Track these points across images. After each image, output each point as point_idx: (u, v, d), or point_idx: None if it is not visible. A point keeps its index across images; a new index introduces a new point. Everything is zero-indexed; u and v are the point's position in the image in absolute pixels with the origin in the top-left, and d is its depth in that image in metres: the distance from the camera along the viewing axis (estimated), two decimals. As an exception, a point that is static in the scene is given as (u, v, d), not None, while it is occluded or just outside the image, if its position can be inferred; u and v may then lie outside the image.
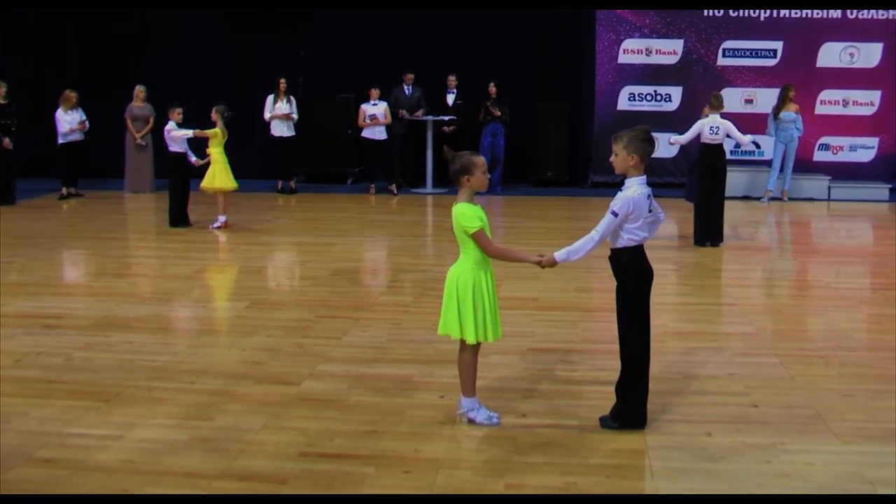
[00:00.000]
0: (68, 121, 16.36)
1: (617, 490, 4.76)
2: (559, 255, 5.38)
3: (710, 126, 11.90)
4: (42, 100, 17.21)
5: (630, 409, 5.50)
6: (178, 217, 13.06)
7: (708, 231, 11.94)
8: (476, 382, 5.61)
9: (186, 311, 8.72)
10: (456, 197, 5.45)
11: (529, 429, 5.52)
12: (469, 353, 5.51)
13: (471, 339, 5.40)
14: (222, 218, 12.90)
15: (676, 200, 14.84)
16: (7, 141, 15.23)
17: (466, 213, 5.33)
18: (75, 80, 18.18)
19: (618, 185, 5.44)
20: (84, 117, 16.54)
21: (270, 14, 18.27)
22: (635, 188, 5.31)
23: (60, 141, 16.32)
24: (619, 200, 5.27)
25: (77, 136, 16.44)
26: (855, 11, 17.44)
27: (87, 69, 18.69)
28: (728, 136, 11.97)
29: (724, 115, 12.13)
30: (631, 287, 5.41)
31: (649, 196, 5.35)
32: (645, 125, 5.59)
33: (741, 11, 17.64)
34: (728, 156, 12.32)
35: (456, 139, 16.88)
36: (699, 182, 12.21)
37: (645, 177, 5.36)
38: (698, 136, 12.00)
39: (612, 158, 5.42)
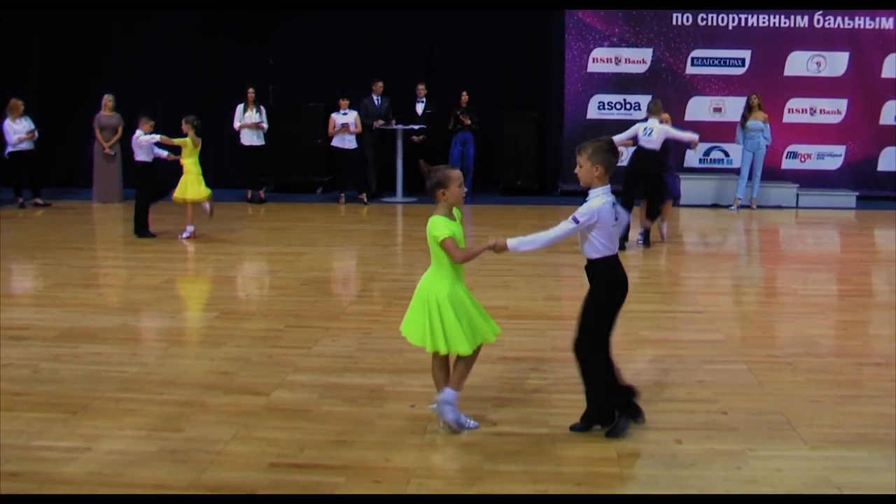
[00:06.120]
0: (16, 130, 16.24)
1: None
2: (511, 242, 5.42)
3: (644, 128, 12.01)
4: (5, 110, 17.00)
5: (608, 407, 5.53)
6: (141, 227, 12.96)
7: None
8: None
9: (155, 322, 8.65)
10: (434, 210, 5.46)
11: (500, 437, 5.52)
12: (465, 362, 5.53)
13: (465, 351, 5.43)
14: (190, 228, 12.82)
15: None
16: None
17: (437, 223, 5.35)
18: (40, 89, 18.10)
19: (586, 193, 5.46)
20: (33, 126, 16.41)
21: (237, 23, 18.24)
22: (600, 198, 5.32)
23: (9, 150, 16.20)
24: (585, 208, 5.30)
25: (26, 146, 16.31)
26: (821, 21, 17.61)
27: (52, 78, 18.57)
28: (678, 141, 12.08)
29: (693, 124, 12.20)
30: (602, 295, 5.43)
31: (614, 204, 5.38)
32: (608, 136, 5.63)
33: (710, 20, 17.79)
34: (697, 164, 12.41)
35: (425, 148, 16.93)
36: (624, 182, 12.26)
37: (609, 186, 5.39)
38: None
39: (576, 170, 5.44)
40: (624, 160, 15.76)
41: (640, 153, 12.09)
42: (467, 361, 5.55)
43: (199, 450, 5.30)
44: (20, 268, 11.32)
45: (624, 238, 12.04)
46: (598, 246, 5.35)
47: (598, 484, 4.93)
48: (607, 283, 5.43)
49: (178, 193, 12.77)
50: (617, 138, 12.01)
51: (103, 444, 5.37)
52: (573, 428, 5.58)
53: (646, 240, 12.26)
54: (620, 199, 11.91)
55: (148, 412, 5.94)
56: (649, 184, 12.11)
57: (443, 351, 5.45)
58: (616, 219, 5.38)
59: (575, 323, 5.56)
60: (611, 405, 5.55)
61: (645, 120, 12.29)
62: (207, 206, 12.96)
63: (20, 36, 18.73)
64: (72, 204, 16.72)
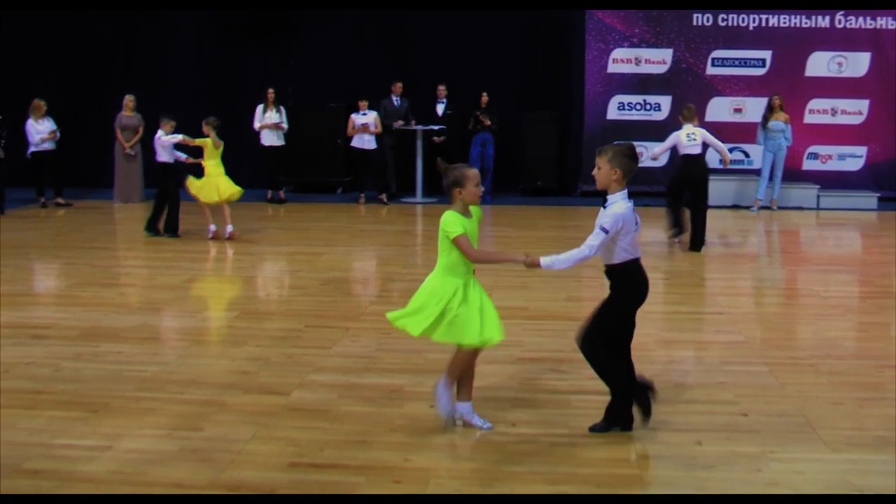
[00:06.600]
0: (39, 130, 16.36)
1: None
2: (545, 260, 5.34)
3: (686, 134, 11.99)
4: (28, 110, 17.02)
5: (618, 409, 5.54)
6: (152, 225, 13.03)
7: (695, 237, 12.02)
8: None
9: (175, 321, 8.70)
10: (449, 206, 5.46)
11: (519, 438, 5.51)
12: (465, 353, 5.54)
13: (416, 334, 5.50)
14: (230, 228, 12.79)
15: (665, 209, 14.89)
16: (-2, 151, 15.26)
17: (450, 220, 5.35)
18: (62, 89, 18.20)
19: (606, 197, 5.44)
20: (55, 126, 16.53)
21: (258, 23, 18.31)
22: (621, 203, 5.31)
23: (32, 149, 16.33)
24: (608, 217, 5.26)
25: (49, 146, 16.44)
26: (843, 21, 17.52)
27: (74, 79, 18.67)
28: (706, 142, 12.05)
29: (713, 124, 12.19)
30: (622, 303, 5.43)
31: (632, 208, 5.37)
32: (630, 142, 5.62)
33: (730, 21, 17.72)
34: (717, 165, 12.37)
35: (445, 149, 16.93)
36: (680, 191, 12.24)
37: (627, 191, 5.37)
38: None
39: (594, 172, 5.41)
40: (643, 162, 15.73)
41: (688, 160, 12.07)
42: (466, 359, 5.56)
43: (219, 449, 5.32)
44: (42, 267, 11.40)
45: (701, 241, 12.07)
46: (620, 251, 5.33)
47: (617, 485, 4.91)
48: (630, 289, 5.42)
49: (200, 194, 12.78)
50: (657, 150, 12.24)
51: (124, 443, 5.40)
52: (592, 429, 5.58)
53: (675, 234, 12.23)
54: (667, 207, 12.09)
55: (168, 411, 5.96)
56: (698, 189, 12.08)
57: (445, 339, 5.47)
58: (636, 223, 5.37)
59: (587, 321, 5.55)
60: (630, 405, 5.55)
61: (679, 128, 12.23)
62: (212, 227, 12.94)
63: (43, 37, 18.83)
64: (93, 204, 16.82)
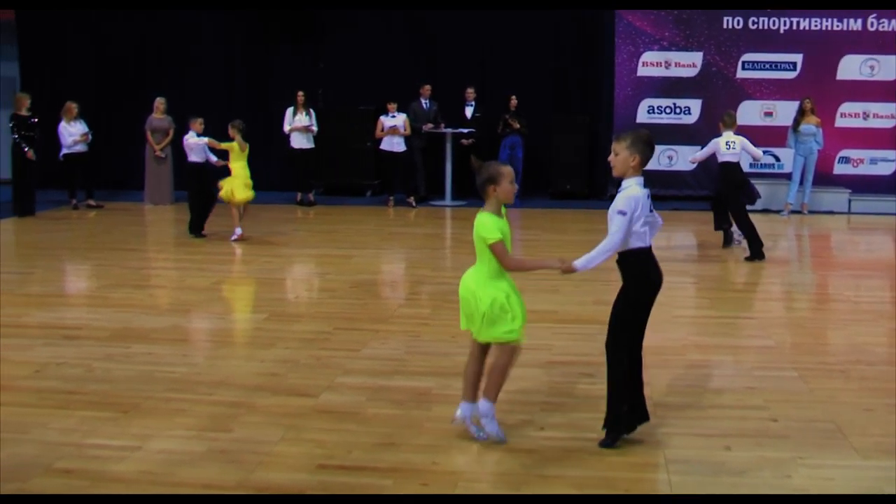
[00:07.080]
0: (71, 132, 16.49)
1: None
2: (578, 263, 5.26)
3: (726, 142, 11.98)
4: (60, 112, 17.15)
5: (611, 415, 5.43)
6: (195, 226, 13.08)
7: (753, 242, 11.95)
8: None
9: (205, 323, 8.74)
10: (482, 207, 5.40)
11: (548, 442, 5.50)
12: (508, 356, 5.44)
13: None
14: (239, 230, 12.88)
15: (695, 213, 14.84)
16: (30, 152, 15.35)
17: (487, 224, 5.26)
18: (94, 91, 18.35)
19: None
20: (87, 129, 16.64)
21: (288, 26, 18.38)
22: (635, 188, 5.23)
23: (64, 152, 16.46)
24: (623, 199, 5.19)
25: (81, 148, 16.55)
26: (875, 24, 17.38)
27: (106, 81, 18.83)
28: (744, 150, 12.04)
29: (744, 128, 12.16)
30: (632, 291, 5.34)
31: (648, 196, 5.29)
32: (646, 129, 5.54)
33: (761, 24, 17.62)
34: (747, 169, 12.35)
35: (474, 152, 16.91)
36: (726, 198, 12.23)
37: (642, 178, 5.30)
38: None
39: (611, 158, 5.32)
40: (673, 165, 15.70)
41: (728, 167, 12.10)
42: (505, 366, 5.48)
43: (248, 450, 5.34)
44: (74, 268, 11.49)
45: (730, 240, 12.47)
46: (631, 237, 5.22)
47: (646, 490, 4.90)
48: (638, 278, 5.32)
49: (225, 196, 12.85)
50: (698, 156, 12.41)
51: (154, 444, 5.43)
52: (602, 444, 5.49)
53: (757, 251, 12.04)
54: (715, 214, 12.23)
55: (198, 412, 5.99)
56: (744, 193, 12.11)
57: (482, 339, 5.39)
58: (651, 210, 5.29)
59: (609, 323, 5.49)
60: (610, 408, 5.44)
61: (719, 135, 12.20)
62: (237, 230, 12.97)
63: (75, 40, 19.01)
64: (124, 205, 16.94)
